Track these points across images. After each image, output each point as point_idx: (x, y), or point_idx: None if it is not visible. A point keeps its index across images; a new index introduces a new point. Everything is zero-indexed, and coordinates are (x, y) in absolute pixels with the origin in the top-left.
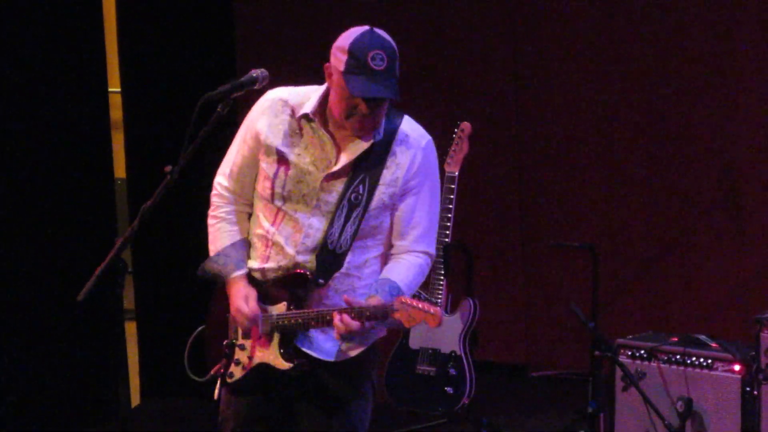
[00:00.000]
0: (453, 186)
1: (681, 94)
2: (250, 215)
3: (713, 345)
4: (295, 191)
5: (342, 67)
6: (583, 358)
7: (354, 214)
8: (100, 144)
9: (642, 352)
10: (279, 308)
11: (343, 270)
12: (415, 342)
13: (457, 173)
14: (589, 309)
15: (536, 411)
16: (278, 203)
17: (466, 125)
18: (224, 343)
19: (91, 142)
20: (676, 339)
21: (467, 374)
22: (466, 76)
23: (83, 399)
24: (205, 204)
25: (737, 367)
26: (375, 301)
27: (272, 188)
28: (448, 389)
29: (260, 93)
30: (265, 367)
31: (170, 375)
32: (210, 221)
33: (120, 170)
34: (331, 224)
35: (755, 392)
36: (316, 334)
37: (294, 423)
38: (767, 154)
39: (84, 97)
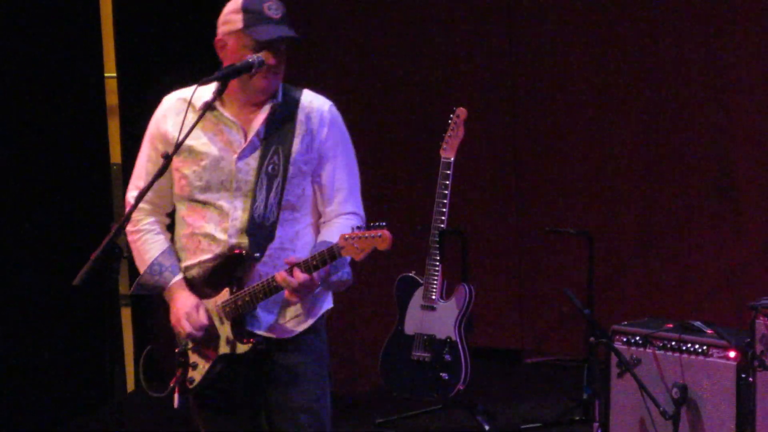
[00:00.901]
0: (449, 172)
1: (676, 80)
2: (168, 226)
3: (709, 331)
4: (213, 180)
5: (240, 25)
6: (579, 345)
7: (275, 184)
8: (96, 129)
9: (637, 338)
10: (222, 296)
11: (276, 245)
12: (410, 328)
13: (452, 159)
14: (585, 295)
15: (531, 397)
16: (199, 196)
17: (461, 111)
18: (176, 351)
19: (87, 127)
20: (671, 325)
21: (462, 360)
22: (462, 62)
23: (79, 384)
24: None
25: (732, 354)
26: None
27: (190, 184)
28: (444, 375)
29: None
30: (224, 359)
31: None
32: (132, 237)
33: (116, 155)
34: (254, 199)
35: (750, 379)
36: (263, 315)
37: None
38: (761, 141)
39: (80, 82)
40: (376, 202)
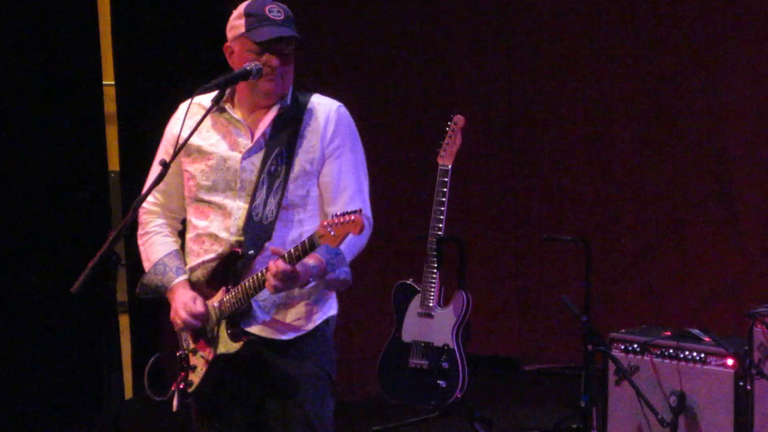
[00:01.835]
0: (446, 179)
1: (673, 89)
2: (179, 232)
3: (706, 339)
4: (219, 179)
5: (243, 29)
6: (576, 352)
7: (276, 184)
8: (94, 137)
9: (635, 345)
10: (219, 296)
11: (277, 244)
12: (407, 335)
13: (450, 166)
14: (582, 303)
15: (529, 404)
16: (205, 196)
17: (459, 118)
18: (177, 355)
19: (85, 135)
20: (669, 333)
21: (460, 367)
22: (460, 69)
23: (76, 391)
24: None
25: (730, 362)
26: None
27: (197, 184)
28: (441, 382)
29: None
30: (221, 359)
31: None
32: (141, 240)
33: (114, 163)
34: (253, 198)
35: (748, 387)
36: (260, 314)
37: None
38: (759, 147)
39: (78, 89)
40: (374, 209)
